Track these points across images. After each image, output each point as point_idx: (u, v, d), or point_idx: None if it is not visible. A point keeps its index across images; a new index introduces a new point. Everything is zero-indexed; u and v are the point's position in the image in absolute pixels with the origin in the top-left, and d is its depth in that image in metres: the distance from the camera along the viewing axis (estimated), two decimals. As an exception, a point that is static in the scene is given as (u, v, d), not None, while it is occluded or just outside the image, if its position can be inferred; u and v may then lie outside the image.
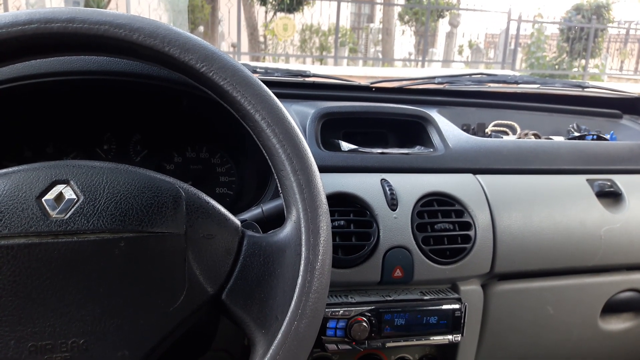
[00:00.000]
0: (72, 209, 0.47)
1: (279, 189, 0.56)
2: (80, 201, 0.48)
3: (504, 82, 1.33)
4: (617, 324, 1.01)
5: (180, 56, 0.52)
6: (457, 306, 0.83)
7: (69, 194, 0.48)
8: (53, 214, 0.47)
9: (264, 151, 0.56)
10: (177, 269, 0.49)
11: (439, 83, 1.30)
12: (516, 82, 1.32)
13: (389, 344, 0.81)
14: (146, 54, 0.53)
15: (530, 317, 0.94)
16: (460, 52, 10.77)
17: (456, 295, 0.85)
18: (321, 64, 9.01)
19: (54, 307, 0.46)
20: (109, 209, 0.48)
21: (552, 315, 0.95)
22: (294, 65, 7.82)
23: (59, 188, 0.48)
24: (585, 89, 1.34)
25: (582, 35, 9.86)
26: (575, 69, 10.16)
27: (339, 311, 0.78)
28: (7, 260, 0.45)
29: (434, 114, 1.09)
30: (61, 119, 0.86)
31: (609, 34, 10.67)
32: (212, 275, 0.51)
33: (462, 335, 0.83)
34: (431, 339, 0.82)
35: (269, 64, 7.55)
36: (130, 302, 0.48)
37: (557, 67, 10.13)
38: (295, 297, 0.50)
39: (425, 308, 0.82)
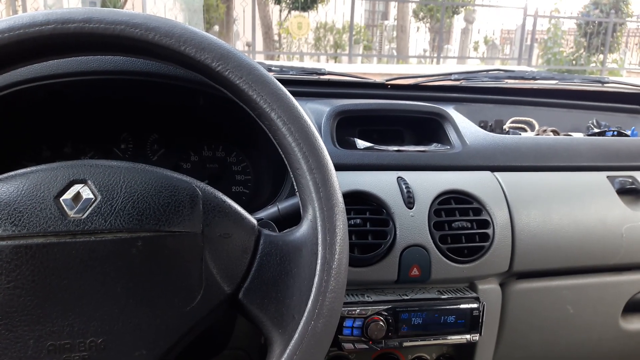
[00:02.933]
0: (90, 209, 0.48)
1: (295, 187, 0.56)
2: (97, 201, 0.48)
3: (522, 78, 1.31)
4: (639, 324, 0.99)
5: (196, 55, 0.52)
6: (475, 305, 0.82)
7: (86, 193, 0.48)
8: (71, 213, 0.47)
9: (279, 149, 0.55)
10: (194, 268, 0.50)
11: (455, 79, 1.29)
12: (534, 78, 1.30)
13: (405, 344, 0.80)
14: (162, 53, 0.53)
15: (550, 317, 0.93)
16: (475, 49, 10.68)
17: (474, 295, 0.84)
18: (335, 61, 8.99)
19: (72, 307, 0.46)
20: (126, 208, 0.48)
21: (572, 315, 0.93)
22: (309, 64, 7.81)
23: (76, 188, 0.49)
24: (605, 84, 1.31)
25: (600, 30, 9.70)
26: (593, 64, 10.00)
27: (355, 310, 0.78)
28: (26, 260, 0.45)
29: (451, 110, 1.07)
30: (79, 119, 0.87)
31: (627, 29, 10.48)
32: (229, 275, 0.51)
33: (480, 334, 0.82)
34: (449, 338, 0.82)
35: (283, 62, 7.56)
36: (148, 301, 0.48)
37: (574, 62, 9.98)
38: (312, 297, 0.50)
39: (442, 307, 0.81)
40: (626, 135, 1.13)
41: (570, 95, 1.31)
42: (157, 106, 0.87)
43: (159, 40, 0.51)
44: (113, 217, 0.48)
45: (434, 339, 0.81)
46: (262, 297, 0.52)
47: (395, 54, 10.37)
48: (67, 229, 0.47)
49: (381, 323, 0.78)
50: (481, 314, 0.82)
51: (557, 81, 1.31)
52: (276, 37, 9.67)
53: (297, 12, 8.76)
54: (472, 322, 0.82)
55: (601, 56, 9.79)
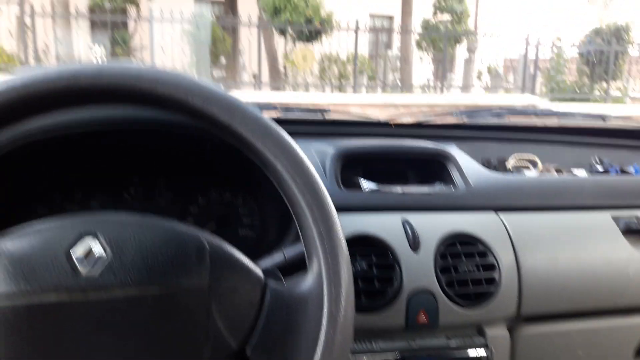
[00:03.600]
0: (100, 265, 0.48)
1: (300, 237, 0.57)
2: (107, 256, 0.49)
3: (523, 114, 1.33)
4: None
5: (203, 107, 0.53)
6: (483, 352, 0.81)
7: (97, 249, 0.49)
8: (82, 269, 0.48)
9: (285, 199, 0.56)
10: (201, 323, 0.50)
11: (457, 117, 1.31)
12: (535, 115, 1.32)
13: None
14: (170, 105, 0.54)
15: None
16: (479, 77, 10.77)
17: (483, 341, 0.83)
18: (340, 92, 9.09)
19: None
20: (135, 263, 0.49)
21: (582, 359, 0.92)
22: (314, 94, 7.91)
23: (87, 243, 0.50)
24: (607, 121, 1.33)
25: (603, 58, 9.79)
26: (597, 92, 10.05)
27: (363, 358, 0.78)
28: (39, 320, 0.46)
29: (454, 149, 1.09)
30: (88, 165, 0.89)
31: (630, 57, 10.57)
32: (236, 329, 0.52)
33: None
34: None
35: (289, 92, 7.66)
36: (157, 356, 0.48)
37: (578, 90, 10.04)
38: (319, 352, 0.50)
39: (452, 356, 0.81)
40: (629, 173, 1.14)
41: (572, 131, 1.32)
42: (165, 151, 0.88)
43: (167, 92, 0.53)
44: (123, 273, 0.49)
45: None
46: (269, 352, 0.52)
47: (399, 84, 10.49)
48: (79, 285, 0.47)
49: (389, 371, 0.77)
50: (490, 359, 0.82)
51: (558, 118, 1.33)
52: (282, 69, 9.81)
53: (302, 44, 8.91)
54: (480, 368, 0.81)
55: (604, 84, 9.85)
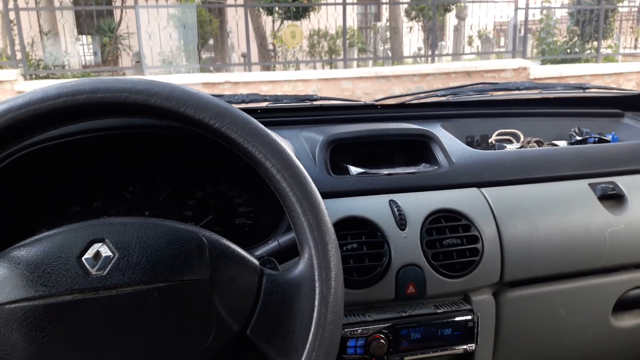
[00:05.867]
0: (109, 266, 0.54)
1: (292, 227, 0.62)
2: (115, 257, 0.54)
3: (506, 89, 1.37)
4: (630, 321, 1.04)
5: (195, 115, 0.58)
6: (469, 317, 0.87)
7: (105, 251, 0.55)
8: (93, 271, 0.54)
9: (276, 193, 0.62)
10: (205, 312, 0.56)
11: (442, 96, 1.35)
12: (517, 89, 1.36)
13: (407, 358, 0.86)
14: (164, 114, 0.59)
15: (543, 322, 0.98)
16: (470, 44, 10.73)
17: (468, 307, 0.89)
18: (331, 67, 9.05)
19: (100, 354, 0.52)
20: (141, 262, 0.55)
21: (564, 318, 0.99)
22: (305, 71, 7.88)
23: (96, 247, 0.55)
24: (586, 90, 1.37)
25: (592, 17, 9.73)
26: (588, 52, 10.02)
27: (357, 330, 0.84)
28: (57, 317, 0.51)
29: (438, 129, 1.13)
30: (89, 168, 0.93)
31: (620, 13, 10.51)
32: (237, 315, 0.57)
33: (477, 344, 0.88)
34: (447, 350, 0.87)
35: (280, 72, 7.63)
36: (166, 344, 0.54)
37: (569, 51, 10.01)
38: (312, 330, 0.56)
39: (439, 321, 0.87)
40: (607, 141, 1.19)
41: (554, 103, 1.36)
42: (161, 151, 0.93)
43: (161, 103, 0.58)
44: (130, 272, 0.54)
45: (432, 352, 0.87)
46: (268, 333, 0.58)
47: (390, 54, 10.44)
48: (91, 286, 0.53)
49: (382, 340, 0.84)
50: (476, 324, 0.88)
51: (539, 90, 1.37)
52: (271, 47, 9.76)
53: (290, 22, 8.84)
54: (467, 333, 0.88)
55: (595, 43, 9.81)
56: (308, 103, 1.30)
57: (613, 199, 1.03)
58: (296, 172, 0.60)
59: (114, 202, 0.95)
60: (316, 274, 0.59)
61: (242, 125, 0.59)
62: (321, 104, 1.29)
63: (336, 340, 0.58)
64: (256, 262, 0.62)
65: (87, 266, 0.54)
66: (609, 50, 10.11)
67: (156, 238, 0.57)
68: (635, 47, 11.25)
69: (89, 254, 0.55)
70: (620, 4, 10.09)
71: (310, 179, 0.62)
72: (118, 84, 0.58)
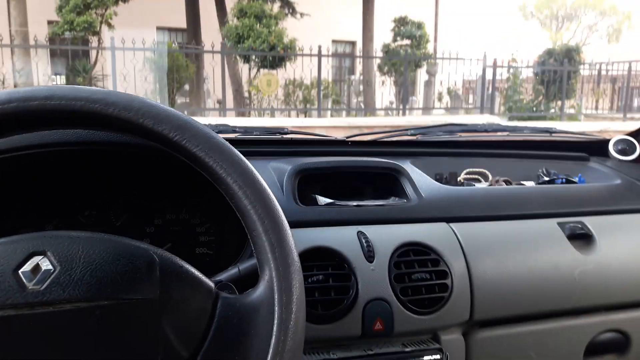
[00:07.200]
0: (49, 280, 0.49)
1: (252, 248, 0.58)
2: (56, 271, 0.49)
3: (474, 131, 1.39)
4: None
5: (154, 127, 0.55)
6: (437, 357, 0.83)
7: (45, 264, 0.50)
8: (29, 285, 0.48)
9: (237, 212, 0.58)
10: (152, 335, 0.51)
11: (412, 135, 1.35)
12: (486, 131, 1.38)
13: None
14: (122, 126, 0.56)
15: None
16: (439, 99, 11.07)
17: (437, 346, 0.86)
18: (305, 116, 9.18)
19: None
20: (84, 278, 0.50)
21: None
22: (279, 119, 7.97)
23: (36, 259, 0.50)
24: (553, 134, 1.39)
25: (556, 77, 10.21)
26: (553, 110, 10.46)
27: (320, 368, 0.79)
28: None
29: (407, 165, 1.12)
30: (42, 188, 0.88)
31: (581, 76, 11.07)
32: (187, 339, 0.52)
33: None
34: None
35: (254, 119, 7.69)
36: None
37: (534, 109, 10.42)
38: (269, 357, 0.52)
39: None
40: (574, 182, 1.19)
41: (521, 145, 1.38)
42: (119, 172, 0.89)
43: (118, 114, 0.54)
44: (71, 287, 0.49)
45: None
46: None
47: (362, 107, 10.67)
48: (26, 301, 0.48)
49: (347, 380, 0.79)
50: None
51: (508, 133, 1.39)
52: (246, 94, 9.86)
53: (266, 70, 9.00)
54: (436, 373, 0.83)
55: (559, 102, 10.25)
56: (278, 136, 1.28)
57: (581, 238, 1.02)
58: (259, 189, 0.57)
59: (67, 226, 0.89)
60: (276, 297, 0.54)
61: (204, 139, 0.56)
62: (292, 138, 1.27)
63: None
64: (212, 284, 0.57)
65: (24, 280, 0.49)
66: (572, 110, 10.56)
67: (103, 253, 0.52)
68: (596, 108, 11.80)
69: (27, 266, 0.49)
70: (582, 67, 10.63)
71: (273, 197, 0.58)
72: (75, 92, 0.54)
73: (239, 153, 0.58)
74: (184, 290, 0.54)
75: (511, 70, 10.09)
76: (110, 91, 0.56)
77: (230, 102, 9.27)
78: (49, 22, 9.97)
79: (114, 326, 0.49)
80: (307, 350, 0.82)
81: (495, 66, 9.79)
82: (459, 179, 1.22)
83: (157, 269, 0.53)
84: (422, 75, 11.99)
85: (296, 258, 0.57)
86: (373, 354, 0.82)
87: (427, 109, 10.73)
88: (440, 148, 1.31)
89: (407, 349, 0.83)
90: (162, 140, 0.56)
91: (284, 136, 1.28)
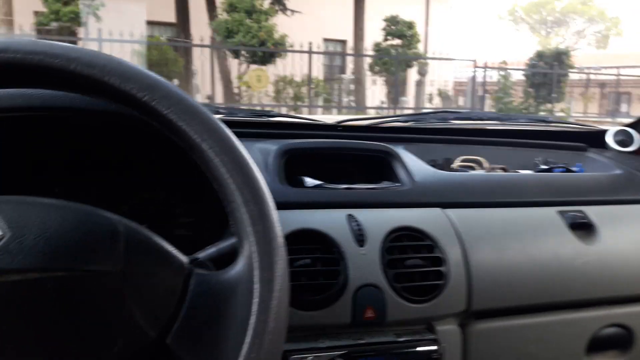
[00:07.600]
0: None
1: (230, 222, 0.52)
2: (5, 238, 0.43)
3: (468, 118, 1.34)
4: None
5: (121, 85, 0.49)
6: (433, 348, 0.78)
7: None
8: None
9: (213, 183, 0.52)
10: (114, 312, 0.44)
11: (405, 121, 1.30)
12: (480, 119, 1.33)
13: None
14: (85, 84, 0.49)
15: (512, 357, 0.89)
16: (430, 100, 11.06)
17: (432, 337, 0.80)
18: (296, 112, 9.12)
19: None
20: (37, 246, 0.43)
21: (535, 355, 0.90)
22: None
23: None
24: (550, 124, 1.35)
25: (546, 80, 10.27)
26: (542, 113, 10.50)
27: (308, 358, 0.73)
28: None
29: (400, 150, 1.07)
30: (8, 160, 0.81)
31: (571, 80, 11.15)
32: (154, 317, 0.46)
33: None
34: None
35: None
36: (61, 348, 0.43)
37: (524, 111, 10.46)
38: (248, 339, 0.46)
39: (400, 350, 0.77)
40: (573, 172, 1.15)
41: (517, 134, 1.33)
42: (90, 145, 0.82)
43: (81, 70, 0.48)
44: (22, 256, 0.43)
45: None
46: (193, 342, 0.47)
47: (353, 105, 10.63)
48: None
49: (335, 371, 0.73)
50: (441, 357, 0.78)
51: (503, 121, 1.34)
52: (236, 90, 9.77)
53: (256, 66, 8.91)
54: (430, 366, 0.78)
55: (549, 105, 10.31)
56: (265, 119, 1.22)
57: (583, 228, 0.97)
58: (237, 156, 0.51)
59: None
60: (256, 273, 0.48)
61: (176, 100, 0.50)
62: (279, 120, 1.21)
63: (277, 354, 0.47)
64: (184, 259, 0.51)
65: None
66: (562, 113, 10.63)
67: (61, 220, 0.46)
68: (585, 112, 11.89)
69: None
70: (571, 71, 10.72)
71: (255, 166, 0.52)
72: (34, 46, 0.48)
73: (215, 118, 0.52)
74: (152, 263, 0.48)
75: (501, 72, 10.13)
76: (72, 46, 0.50)
77: (220, 97, 9.19)
78: (35, 13, 9.80)
79: (70, 300, 0.43)
80: (294, 339, 0.76)
81: (485, 68, 9.81)
82: (452, 166, 1.16)
83: (121, 240, 0.47)
84: (413, 75, 11.98)
85: (279, 232, 0.51)
86: (364, 343, 0.76)
87: (418, 108, 10.72)
88: (434, 135, 1.26)
89: (400, 339, 0.78)
90: (129, 101, 0.50)
91: (271, 119, 1.22)
